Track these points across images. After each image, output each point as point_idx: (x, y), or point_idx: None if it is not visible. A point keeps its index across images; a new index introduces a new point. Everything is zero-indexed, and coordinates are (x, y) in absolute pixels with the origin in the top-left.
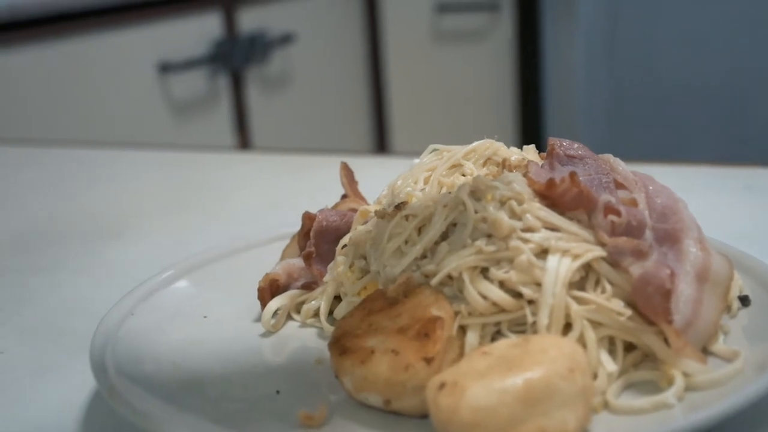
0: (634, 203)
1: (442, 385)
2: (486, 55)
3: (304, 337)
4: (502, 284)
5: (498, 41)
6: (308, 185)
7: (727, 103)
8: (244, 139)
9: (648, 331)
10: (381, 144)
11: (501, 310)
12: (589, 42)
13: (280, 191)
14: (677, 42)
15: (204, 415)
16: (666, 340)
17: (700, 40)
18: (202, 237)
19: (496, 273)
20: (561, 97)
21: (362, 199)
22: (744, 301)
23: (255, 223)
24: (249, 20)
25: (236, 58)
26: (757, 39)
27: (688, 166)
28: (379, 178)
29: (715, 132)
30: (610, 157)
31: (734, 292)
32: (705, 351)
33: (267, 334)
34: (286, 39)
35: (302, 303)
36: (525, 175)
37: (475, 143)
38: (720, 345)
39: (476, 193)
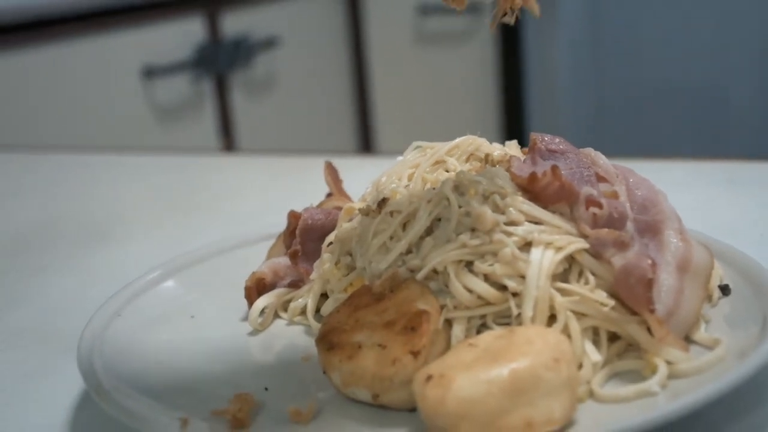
0: (615, 196)
1: (428, 378)
2: (469, 56)
3: (291, 335)
4: (486, 277)
5: (480, 42)
6: (296, 186)
7: (709, 100)
8: (229, 143)
9: (631, 321)
10: (366, 144)
11: (486, 302)
12: (571, 41)
13: (267, 193)
14: (659, 39)
15: (193, 413)
16: (649, 330)
17: (682, 37)
18: (190, 240)
19: (481, 266)
20: (544, 97)
21: (347, 197)
22: (724, 290)
23: (243, 226)
24: (232, 24)
25: (220, 61)
26: (739, 36)
27: (672, 161)
28: (365, 178)
29: (697, 129)
30: (591, 151)
31: (715, 282)
32: (687, 339)
33: (254, 332)
34: (270, 42)
35: (289, 301)
36: (508, 169)
37: (458, 139)
38: (701, 333)
39: (460, 188)
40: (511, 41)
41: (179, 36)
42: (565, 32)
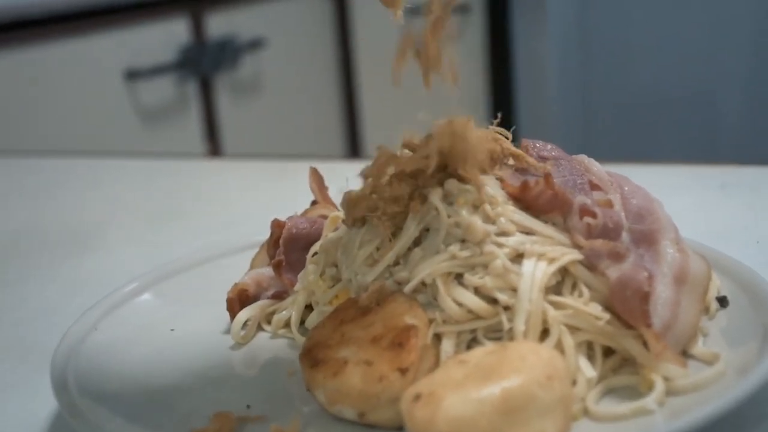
0: (609, 204)
1: (417, 396)
2: (457, 58)
3: (275, 349)
4: (477, 290)
5: (469, 44)
6: (282, 192)
7: (697, 106)
8: (214, 146)
9: (627, 335)
10: (353, 148)
11: (476, 316)
12: (561, 42)
13: (254, 198)
14: (648, 45)
15: None
16: (645, 344)
17: (671, 43)
18: (175, 247)
19: (471, 279)
20: (533, 98)
21: (333, 205)
22: (722, 302)
23: (229, 232)
24: (218, 25)
25: (205, 63)
26: (728, 39)
27: (663, 166)
28: (353, 183)
29: (685, 132)
30: (584, 158)
31: (712, 293)
32: (684, 354)
33: (237, 346)
34: (256, 44)
35: (272, 313)
36: (498, 177)
37: None
38: (699, 347)
39: (449, 197)
40: (500, 45)
41: (163, 37)
42: (555, 36)
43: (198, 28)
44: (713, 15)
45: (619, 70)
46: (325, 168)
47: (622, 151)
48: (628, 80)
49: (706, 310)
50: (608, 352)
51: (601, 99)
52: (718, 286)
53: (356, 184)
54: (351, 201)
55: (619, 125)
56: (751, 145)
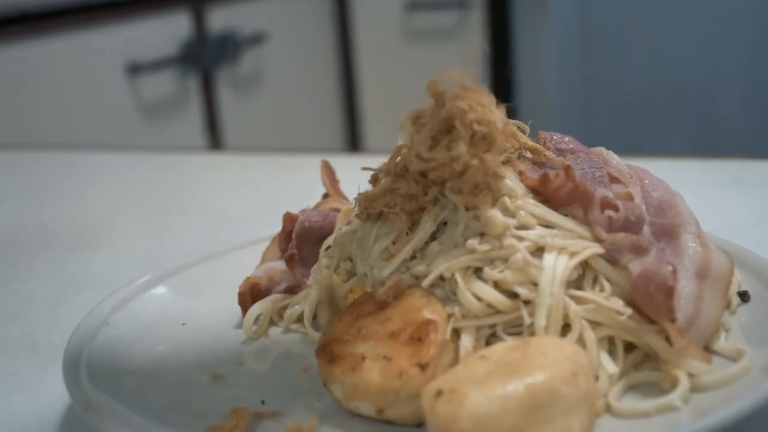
0: (629, 197)
1: (439, 393)
2: (457, 53)
3: (288, 344)
4: (496, 284)
5: (469, 39)
6: (286, 186)
7: (699, 100)
8: (215, 140)
9: (649, 331)
10: (353, 143)
11: (496, 311)
12: (561, 39)
13: (255, 192)
14: (649, 39)
15: (186, 429)
16: (668, 340)
17: (672, 37)
18: (180, 241)
19: (491, 273)
20: (533, 94)
21: (344, 198)
22: (744, 296)
23: (234, 226)
24: (219, 19)
25: (206, 58)
26: (728, 35)
27: (672, 160)
28: (354, 177)
29: (686, 128)
30: (602, 150)
31: (733, 288)
32: (707, 350)
33: (249, 341)
34: (257, 38)
35: (285, 308)
36: (518, 170)
37: None
38: (722, 343)
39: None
40: (499, 38)
41: (164, 31)
42: (555, 29)
43: (199, 22)
44: (714, 11)
45: (619, 66)
46: None
47: (622, 147)
48: (628, 77)
49: (728, 305)
50: (629, 347)
51: (601, 96)
52: (739, 280)
53: (365, 183)
54: (367, 199)
55: (620, 122)
56: (753, 141)
